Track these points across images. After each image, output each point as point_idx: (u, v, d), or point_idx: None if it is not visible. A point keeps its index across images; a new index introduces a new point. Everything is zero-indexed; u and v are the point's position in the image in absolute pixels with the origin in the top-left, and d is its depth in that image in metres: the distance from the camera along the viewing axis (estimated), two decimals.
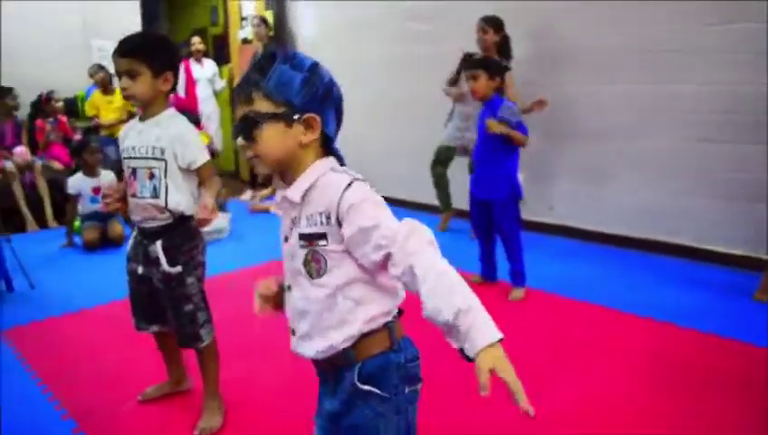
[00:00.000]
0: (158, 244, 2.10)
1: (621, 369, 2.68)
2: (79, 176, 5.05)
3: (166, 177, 2.07)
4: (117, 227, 4.99)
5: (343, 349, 1.21)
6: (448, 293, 1.04)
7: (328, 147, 1.28)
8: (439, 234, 4.87)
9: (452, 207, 5.08)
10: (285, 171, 1.25)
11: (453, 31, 5.13)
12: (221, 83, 7.42)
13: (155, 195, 2.07)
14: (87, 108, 6.35)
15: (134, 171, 2.10)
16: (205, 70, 7.21)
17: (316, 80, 1.21)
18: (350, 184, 1.18)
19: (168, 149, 2.06)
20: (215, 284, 3.65)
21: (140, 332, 2.32)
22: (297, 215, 1.23)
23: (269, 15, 6.91)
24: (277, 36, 6.81)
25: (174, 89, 2.11)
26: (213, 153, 7.02)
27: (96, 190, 5.03)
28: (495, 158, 3.50)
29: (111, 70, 6.36)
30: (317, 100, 1.21)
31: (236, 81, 7.46)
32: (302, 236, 1.22)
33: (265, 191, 6.29)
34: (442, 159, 4.95)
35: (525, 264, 3.57)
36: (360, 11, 6.10)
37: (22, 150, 5.85)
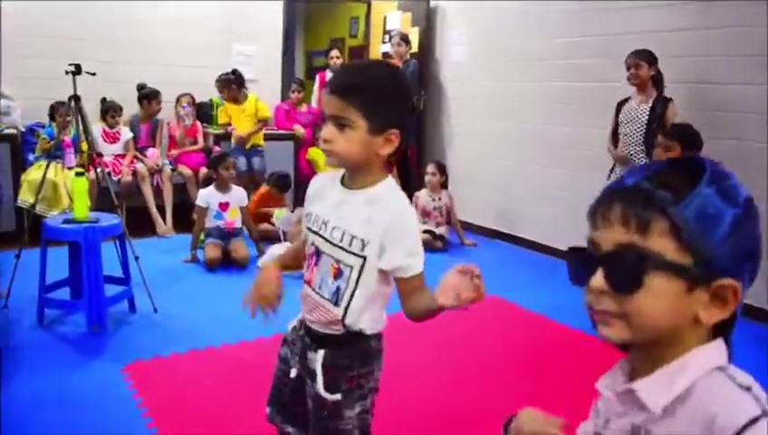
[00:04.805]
0: (320, 355, 1.58)
1: None
2: (210, 189, 4.84)
3: (358, 281, 1.51)
4: (241, 249, 4.72)
5: None
6: None
7: (718, 328, 0.83)
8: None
9: None
10: (650, 348, 0.84)
11: (617, 68, 4.66)
12: None
13: (335, 301, 1.54)
14: (219, 115, 6.18)
15: (318, 253, 1.59)
16: None
17: (750, 225, 0.80)
18: (755, 420, 0.73)
19: (374, 242, 1.48)
20: None
21: (271, 424, 1.87)
22: (644, 427, 0.83)
23: (414, 33, 6.56)
24: (420, 57, 6.45)
25: (395, 153, 1.61)
26: None
27: (223, 206, 4.81)
28: None
29: (247, 75, 6.27)
30: (744, 257, 0.80)
31: None
32: None
33: None
34: None
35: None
36: (518, 42, 5.63)
37: (154, 153, 5.74)
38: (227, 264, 4.69)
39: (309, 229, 1.60)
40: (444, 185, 5.62)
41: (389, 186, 1.53)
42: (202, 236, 4.84)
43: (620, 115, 4.28)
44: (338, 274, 1.53)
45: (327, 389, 1.56)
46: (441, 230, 5.46)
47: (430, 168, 5.61)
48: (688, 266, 0.77)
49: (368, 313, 1.53)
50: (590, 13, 4.96)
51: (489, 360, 3.29)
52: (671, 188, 0.78)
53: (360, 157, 1.46)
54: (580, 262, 0.84)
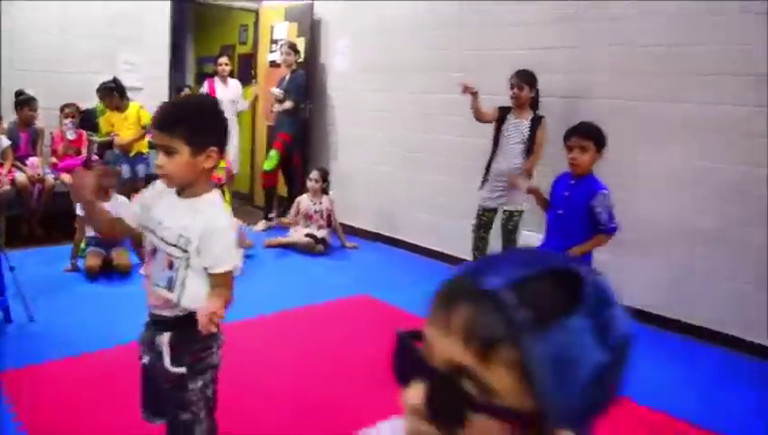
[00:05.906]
0: (165, 337, 1.87)
1: None
2: None
3: (187, 270, 1.83)
4: (123, 256, 4.76)
5: None
6: None
7: None
8: None
9: None
10: None
11: (491, 81, 5.00)
12: (244, 104, 7.26)
13: (169, 287, 1.84)
14: (102, 124, 6.14)
15: (154, 251, 1.88)
16: (228, 91, 7.02)
17: (614, 374, 0.62)
18: None
19: (194, 242, 1.81)
20: None
21: (146, 422, 2.08)
22: None
23: (300, 43, 6.74)
24: (306, 66, 6.64)
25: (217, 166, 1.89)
26: (230, 175, 6.85)
27: None
28: (576, 235, 3.23)
29: (133, 83, 6.28)
30: (593, 410, 0.62)
31: (260, 101, 7.30)
32: None
33: (285, 220, 6.03)
34: (484, 223, 4.67)
35: None
36: (399, 54, 5.94)
37: (34, 162, 5.66)
38: (109, 272, 4.72)
39: (145, 228, 1.91)
40: (325, 190, 5.85)
41: (211, 201, 1.89)
42: (83, 245, 4.85)
43: (504, 127, 4.48)
44: (170, 265, 1.84)
45: (173, 363, 1.86)
46: (322, 233, 5.68)
47: (313, 174, 5.82)
48: (525, 412, 0.58)
49: (201, 296, 1.82)
50: (468, 29, 5.30)
51: (360, 356, 3.47)
52: (536, 308, 0.58)
53: (188, 175, 1.82)
54: (408, 357, 0.68)
